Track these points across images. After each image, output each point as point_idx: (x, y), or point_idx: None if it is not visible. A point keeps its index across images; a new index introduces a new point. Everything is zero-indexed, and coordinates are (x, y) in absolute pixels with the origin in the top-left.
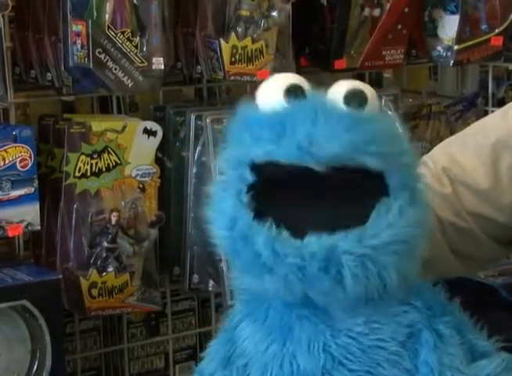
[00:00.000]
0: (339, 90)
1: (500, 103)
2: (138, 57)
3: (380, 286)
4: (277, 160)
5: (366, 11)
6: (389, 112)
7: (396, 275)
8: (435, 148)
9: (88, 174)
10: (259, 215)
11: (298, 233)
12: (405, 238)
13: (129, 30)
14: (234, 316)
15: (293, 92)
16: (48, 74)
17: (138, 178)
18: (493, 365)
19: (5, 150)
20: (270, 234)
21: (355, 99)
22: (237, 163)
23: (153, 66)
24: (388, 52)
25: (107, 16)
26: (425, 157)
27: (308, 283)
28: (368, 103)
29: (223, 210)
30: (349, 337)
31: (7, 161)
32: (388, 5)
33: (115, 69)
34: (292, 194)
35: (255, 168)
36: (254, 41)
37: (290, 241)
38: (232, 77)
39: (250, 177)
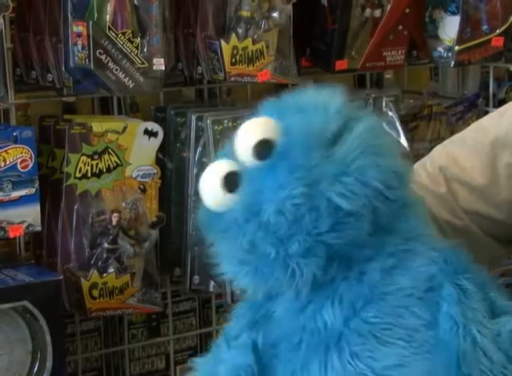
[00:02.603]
0: (245, 145)
1: (501, 104)
2: (139, 58)
3: (373, 193)
4: None
5: (367, 12)
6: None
7: (379, 173)
8: (435, 148)
9: (89, 175)
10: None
11: None
12: (361, 142)
13: (130, 31)
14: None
15: (229, 182)
16: (49, 74)
17: (138, 178)
18: None
19: (5, 151)
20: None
21: (262, 152)
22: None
23: (154, 67)
24: (389, 52)
25: (108, 16)
26: (425, 158)
27: (316, 231)
28: (273, 142)
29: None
30: (370, 286)
31: (8, 162)
32: (389, 6)
33: (116, 70)
34: None
35: None
36: (254, 41)
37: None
38: (232, 78)
39: None
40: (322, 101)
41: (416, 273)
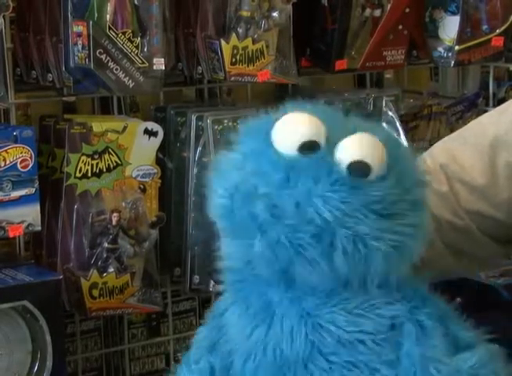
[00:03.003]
0: (344, 155)
1: (501, 104)
2: (139, 58)
3: (364, 272)
4: None
5: (367, 11)
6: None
7: (383, 266)
8: (435, 145)
9: (89, 174)
10: None
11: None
12: (400, 232)
13: (130, 31)
14: (220, 303)
15: (306, 149)
16: (49, 74)
17: (138, 178)
18: (477, 356)
19: (5, 151)
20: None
21: (359, 171)
22: None
23: (154, 67)
24: (389, 52)
25: (108, 16)
26: (425, 154)
27: (297, 250)
28: (372, 171)
29: (227, 178)
30: (330, 327)
31: (8, 162)
32: (389, 6)
33: (116, 69)
34: None
35: None
36: (254, 41)
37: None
38: (232, 78)
39: None
40: (414, 180)
41: (378, 314)
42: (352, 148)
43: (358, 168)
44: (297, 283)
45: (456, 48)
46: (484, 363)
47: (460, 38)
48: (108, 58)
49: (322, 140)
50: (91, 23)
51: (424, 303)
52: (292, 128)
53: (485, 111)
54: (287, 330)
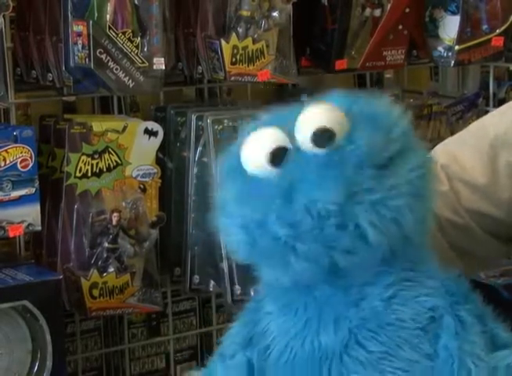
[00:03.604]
0: (304, 131)
1: (501, 104)
2: (139, 57)
3: (400, 232)
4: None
5: (367, 11)
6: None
7: (412, 217)
8: (436, 147)
9: (89, 174)
10: None
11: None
12: (410, 179)
13: (130, 31)
14: (256, 297)
15: (275, 157)
16: (49, 74)
17: (138, 178)
18: None
19: (5, 151)
20: (281, 211)
21: (322, 139)
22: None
23: (154, 67)
24: (389, 52)
25: (108, 16)
26: None
27: (331, 246)
28: (336, 138)
29: (233, 213)
30: (370, 315)
31: (8, 162)
32: (389, 6)
33: (116, 69)
34: None
35: None
36: (254, 41)
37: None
38: (232, 78)
39: None
40: (393, 118)
41: (418, 304)
42: (305, 123)
43: (321, 137)
44: (341, 275)
45: (456, 47)
46: None
47: (460, 38)
48: (108, 58)
49: (286, 143)
50: (91, 22)
51: (466, 299)
52: (251, 150)
53: (486, 111)
54: (331, 319)
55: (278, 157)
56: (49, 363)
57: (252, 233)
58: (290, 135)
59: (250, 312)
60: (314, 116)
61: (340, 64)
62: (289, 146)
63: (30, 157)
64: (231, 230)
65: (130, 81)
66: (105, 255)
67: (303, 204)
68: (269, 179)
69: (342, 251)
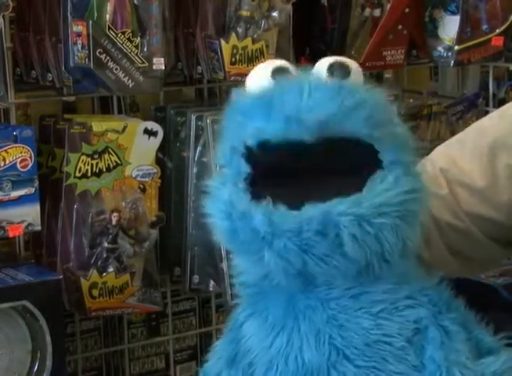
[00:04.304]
0: (322, 64)
1: (501, 104)
2: (139, 57)
3: (379, 250)
4: (268, 139)
5: (367, 11)
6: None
7: (394, 239)
8: (435, 150)
9: (89, 174)
10: (256, 196)
11: (296, 205)
12: (401, 201)
13: (130, 31)
14: (238, 315)
15: (279, 72)
16: (49, 74)
17: (138, 178)
18: (499, 362)
19: (5, 151)
20: (267, 209)
21: (337, 70)
22: (232, 153)
23: (154, 67)
24: (389, 52)
25: (108, 16)
26: (424, 160)
27: (307, 250)
28: (351, 73)
29: (220, 197)
30: (354, 331)
31: (7, 162)
32: (389, 6)
33: (116, 69)
34: (288, 176)
35: (250, 155)
36: (254, 41)
37: (287, 212)
38: (232, 78)
39: (246, 169)
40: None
41: (402, 318)
42: (327, 58)
43: (338, 66)
44: (318, 286)
45: (456, 47)
46: (507, 369)
47: (460, 38)
48: (108, 58)
49: (293, 68)
50: (90, 22)
51: (449, 308)
52: (261, 65)
53: (485, 111)
54: (312, 335)
55: (281, 72)
56: (49, 363)
57: (234, 223)
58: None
59: (233, 329)
60: (333, 58)
61: None
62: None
63: (30, 157)
64: (216, 215)
65: (130, 81)
66: (104, 255)
67: (284, 112)
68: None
69: (316, 257)
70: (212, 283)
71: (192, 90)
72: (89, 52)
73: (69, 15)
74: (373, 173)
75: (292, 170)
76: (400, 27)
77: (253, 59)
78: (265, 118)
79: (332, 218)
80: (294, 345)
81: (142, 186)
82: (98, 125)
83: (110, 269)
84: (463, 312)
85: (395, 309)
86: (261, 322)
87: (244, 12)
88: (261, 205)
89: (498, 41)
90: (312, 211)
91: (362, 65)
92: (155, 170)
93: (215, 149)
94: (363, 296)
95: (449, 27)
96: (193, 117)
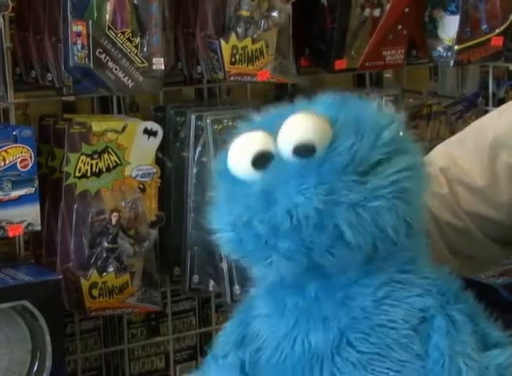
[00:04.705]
0: (285, 146)
1: (501, 103)
2: (139, 57)
3: (380, 234)
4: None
5: (367, 11)
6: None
7: (392, 220)
8: (434, 149)
9: (89, 174)
10: None
11: None
12: (394, 181)
13: (129, 31)
14: (249, 297)
15: (259, 161)
16: (49, 74)
17: (138, 178)
18: (506, 355)
19: (5, 151)
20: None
21: (301, 152)
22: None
23: (154, 67)
24: (388, 52)
25: (107, 16)
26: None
27: (310, 246)
28: (316, 150)
29: (224, 212)
30: (360, 316)
31: (7, 162)
32: (388, 6)
33: (115, 69)
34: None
35: None
36: (254, 41)
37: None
38: (232, 78)
39: None
40: (381, 125)
41: (409, 305)
42: (286, 135)
43: (302, 151)
44: (328, 275)
45: (456, 47)
46: None
47: (460, 38)
48: (107, 58)
49: (271, 147)
50: (90, 22)
51: (457, 299)
52: (237, 154)
53: (485, 111)
54: (320, 319)
55: (261, 161)
56: (49, 363)
57: (239, 232)
58: (275, 140)
59: (243, 312)
60: (296, 128)
61: (340, 64)
62: (273, 150)
63: (30, 157)
64: (221, 228)
65: (129, 81)
66: (104, 255)
67: (283, 208)
68: (254, 182)
69: (321, 251)
70: (212, 282)
71: (191, 90)
72: (89, 52)
73: (69, 15)
74: None
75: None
76: (400, 26)
77: (253, 59)
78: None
79: (327, 208)
80: (302, 329)
81: (141, 186)
82: (97, 125)
83: (110, 269)
84: (472, 305)
85: (403, 297)
86: (271, 306)
87: (244, 12)
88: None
89: (497, 41)
90: (307, 204)
91: (361, 65)
92: (155, 170)
93: (215, 149)
94: (371, 281)
95: (449, 26)
96: (193, 117)
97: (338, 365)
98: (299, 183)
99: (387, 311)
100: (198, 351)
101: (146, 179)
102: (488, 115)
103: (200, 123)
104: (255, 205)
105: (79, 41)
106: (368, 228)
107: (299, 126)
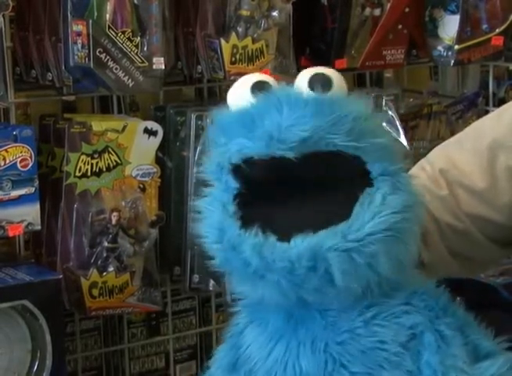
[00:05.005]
0: (303, 77)
1: (501, 103)
2: (139, 57)
3: (374, 276)
4: (252, 157)
5: (367, 11)
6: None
7: (388, 263)
8: (433, 150)
9: (89, 174)
10: (246, 220)
11: (285, 234)
12: (390, 225)
13: (130, 30)
14: (238, 321)
15: (258, 88)
16: (49, 73)
17: (138, 178)
18: (497, 365)
19: (5, 150)
20: (257, 241)
21: (318, 82)
22: (219, 170)
23: (154, 66)
24: (389, 51)
25: (108, 15)
26: (423, 160)
27: (300, 285)
28: (333, 85)
29: (211, 224)
30: (350, 338)
31: (7, 161)
32: (389, 5)
33: (115, 69)
34: (277, 193)
35: (237, 172)
36: (254, 40)
37: (277, 246)
38: (232, 77)
39: (233, 184)
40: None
41: (397, 325)
42: (308, 70)
43: (319, 79)
44: (316, 302)
45: (456, 47)
46: (505, 372)
47: (460, 37)
48: (108, 57)
49: (273, 82)
50: (90, 22)
51: (445, 312)
52: (241, 80)
53: (485, 111)
54: (308, 343)
55: (260, 87)
56: (49, 363)
57: (226, 252)
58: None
59: (234, 335)
60: (314, 69)
61: (340, 64)
62: (273, 83)
63: (30, 157)
64: (209, 239)
65: (129, 80)
66: (104, 255)
67: (266, 130)
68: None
69: (310, 290)
70: (212, 282)
71: (192, 90)
72: (89, 51)
73: (69, 14)
74: (363, 184)
75: (281, 184)
76: (400, 26)
77: (253, 58)
78: (247, 137)
79: (321, 253)
80: (292, 353)
81: (141, 186)
82: (98, 125)
83: (110, 269)
84: (461, 316)
85: (391, 316)
86: (260, 330)
87: (244, 12)
88: (251, 236)
89: (498, 41)
90: (302, 245)
91: (362, 64)
92: (155, 169)
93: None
94: (359, 304)
95: (449, 26)
96: (193, 117)
97: None
98: (290, 117)
99: (376, 332)
100: (198, 350)
101: (146, 179)
102: (486, 117)
103: (200, 122)
104: (241, 128)
105: (79, 41)
106: (362, 272)
107: (319, 67)
